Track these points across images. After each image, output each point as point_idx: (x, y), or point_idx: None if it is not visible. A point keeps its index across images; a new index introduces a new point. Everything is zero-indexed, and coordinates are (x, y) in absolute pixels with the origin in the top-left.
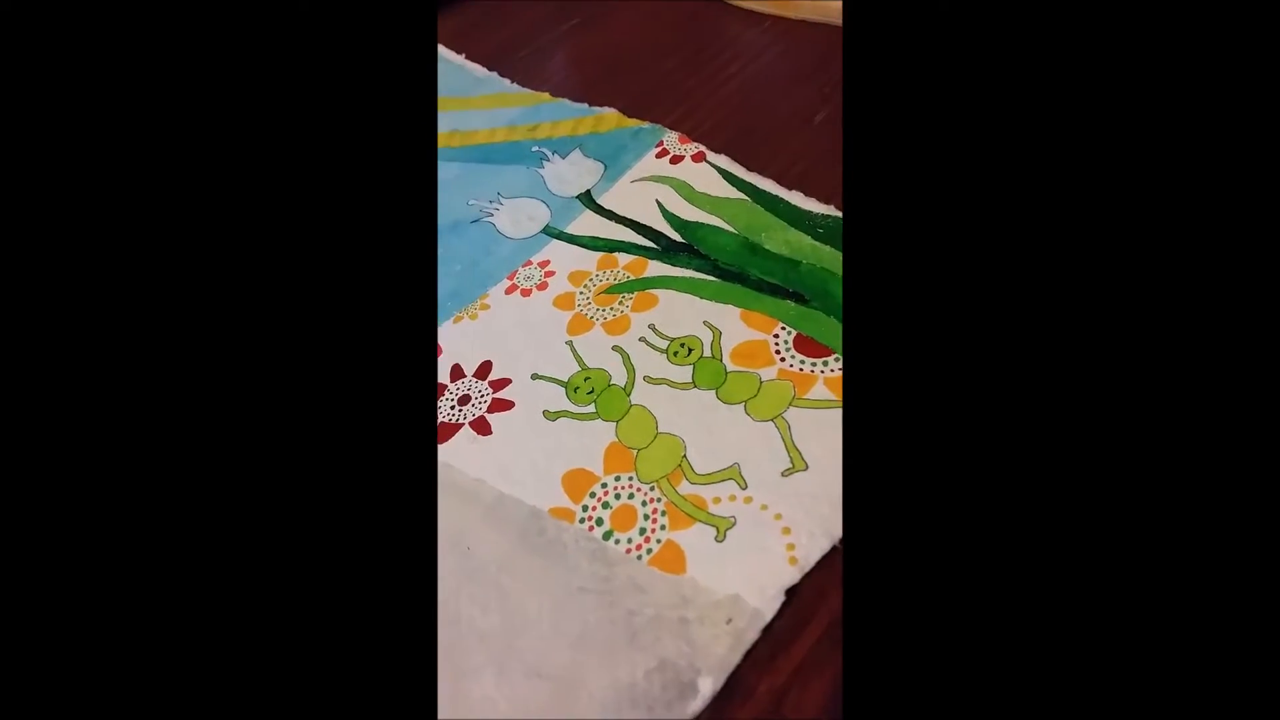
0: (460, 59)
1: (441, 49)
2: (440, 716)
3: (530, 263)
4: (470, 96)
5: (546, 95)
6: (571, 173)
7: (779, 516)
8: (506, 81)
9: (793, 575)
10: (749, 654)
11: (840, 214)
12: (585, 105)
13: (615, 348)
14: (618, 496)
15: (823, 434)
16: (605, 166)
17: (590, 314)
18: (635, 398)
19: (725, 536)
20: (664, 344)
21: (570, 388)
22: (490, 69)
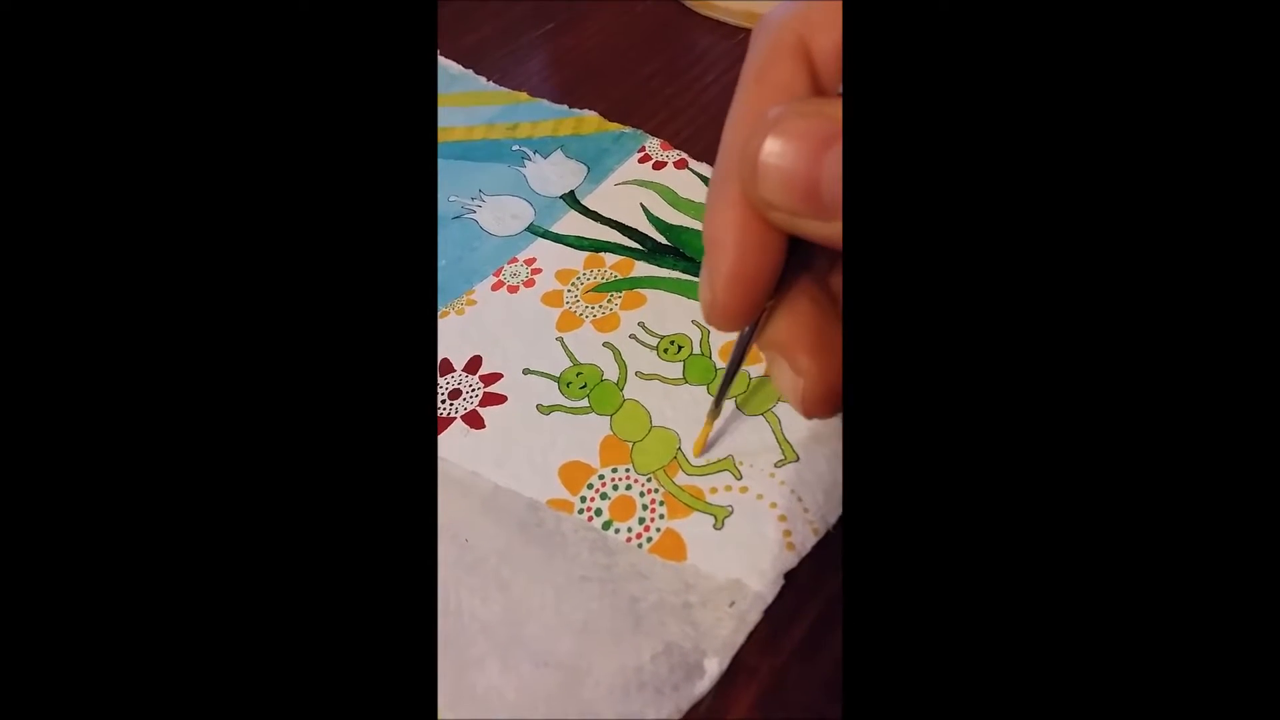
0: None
1: None
2: (446, 709)
3: (516, 260)
4: (447, 93)
5: (524, 95)
6: (554, 173)
7: (774, 505)
8: (483, 80)
9: (791, 560)
10: (751, 635)
11: None
12: (565, 107)
13: (606, 344)
14: (615, 487)
15: (812, 427)
16: (588, 168)
17: (579, 311)
18: (628, 392)
19: (724, 524)
20: (654, 341)
21: (563, 382)
22: (466, 67)
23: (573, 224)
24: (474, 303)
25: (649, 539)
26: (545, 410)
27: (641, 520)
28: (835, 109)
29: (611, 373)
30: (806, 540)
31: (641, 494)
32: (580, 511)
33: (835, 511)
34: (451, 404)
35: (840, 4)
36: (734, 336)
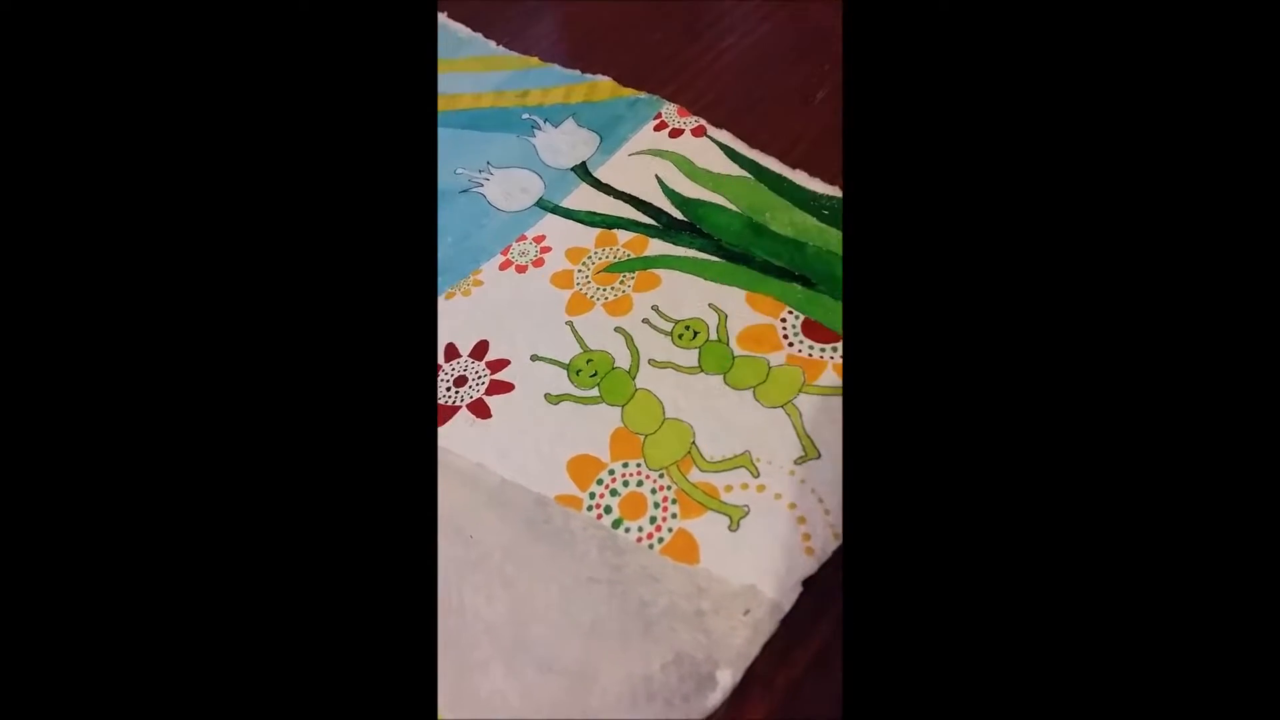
0: (442, 18)
1: None
2: (448, 711)
3: (525, 237)
4: (454, 58)
5: (535, 60)
6: (565, 143)
7: (793, 506)
8: (492, 44)
9: (809, 566)
10: (766, 645)
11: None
12: (578, 72)
13: (618, 329)
14: (626, 484)
15: (835, 421)
16: (601, 138)
17: (590, 293)
18: (640, 381)
19: (739, 526)
20: (668, 326)
21: (572, 370)
22: (475, 30)
23: (584, 198)
24: (481, 284)
25: (660, 539)
26: (554, 400)
27: (653, 519)
28: None
29: (623, 360)
30: (827, 545)
31: (653, 491)
32: (589, 508)
33: None
34: (457, 391)
35: None
36: (755, 320)
